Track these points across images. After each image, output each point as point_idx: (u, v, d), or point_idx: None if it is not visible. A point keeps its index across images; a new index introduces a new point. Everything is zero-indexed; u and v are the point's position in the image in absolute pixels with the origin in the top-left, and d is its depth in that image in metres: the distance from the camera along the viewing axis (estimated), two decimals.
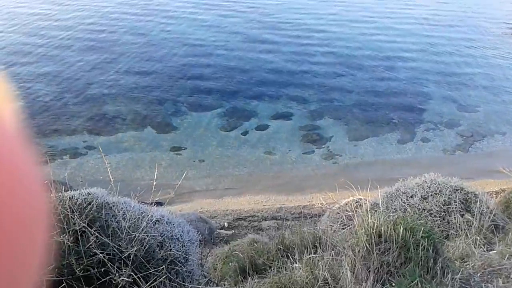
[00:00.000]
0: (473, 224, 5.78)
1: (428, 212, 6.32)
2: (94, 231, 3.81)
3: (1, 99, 0.45)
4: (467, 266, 4.59)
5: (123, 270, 3.69)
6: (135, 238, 3.95)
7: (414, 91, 22.34)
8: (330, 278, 4.32)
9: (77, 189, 4.53)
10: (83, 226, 3.82)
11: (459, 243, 5.13)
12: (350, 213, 6.02)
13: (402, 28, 31.12)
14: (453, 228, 6.00)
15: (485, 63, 25.72)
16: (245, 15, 32.61)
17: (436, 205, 6.38)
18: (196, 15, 32.39)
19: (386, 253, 4.27)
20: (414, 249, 4.24)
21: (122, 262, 3.79)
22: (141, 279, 3.73)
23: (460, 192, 6.55)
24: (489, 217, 5.83)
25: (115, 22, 30.57)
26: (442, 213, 6.31)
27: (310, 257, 4.69)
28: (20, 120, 0.46)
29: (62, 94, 20.83)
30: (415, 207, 6.45)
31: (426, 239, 4.29)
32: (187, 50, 26.23)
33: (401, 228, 4.31)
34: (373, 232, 4.37)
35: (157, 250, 4.15)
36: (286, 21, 31.63)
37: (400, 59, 25.89)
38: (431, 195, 6.54)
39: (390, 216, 4.66)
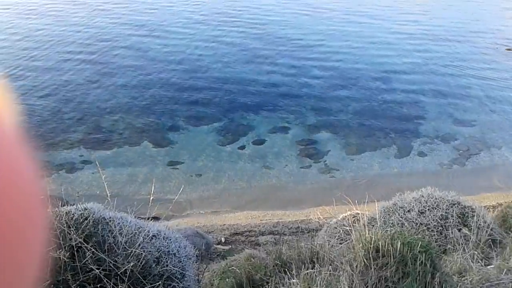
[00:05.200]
0: (470, 238, 5.77)
1: (425, 226, 6.32)
2: (91, 246, 3.79)
3: (3, 108, 0.46)
4: (465, 281, 4.57)
5: (120, 286, 3.66)
6: (132, 254, 3.93)
7: (410, 106, 22.48)
8: None
9: (74, 204, 4.51)
10: (79, 242, 3.80)
11: (457, 257, 5.11)
12: (348, 228, 6.01)
13: (399, 44, 31.45)
14: (451, 242, 5.99)
15: (480, 78, 25.96)
16: (243, 30, 32.90)
17: (433, 220, 6.38)
18: (193, 30, 32.66)
19: (384, 268, 4.25)
20: (412, 264, 4.23)
21: (119, 278, 3.76)
22: None
23: (457, 207, 6.56)
24: (486, 232, 5.83)
25: (113, 37, 30.77)
26: (440, 228, 6.31)
27: (307, 273, 4.66)
28: (22, 130, 0.47)
29: (59, 108, 20.85)
30: (413, 221, 6.45)
31: (424, 254, 4.28)
32: (184, 64, 26.38)
33: (399, 243, 4.31)
34: (370, 247, 4.36)
35: (153, 265, 4.12)
36: (283, 37, 31.93)
37: (397, 74, 26.11)
38: (428, 209, 6.54)
39: (387, 230, 4.66)
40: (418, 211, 6.57)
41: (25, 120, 18.92)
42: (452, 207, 6.53)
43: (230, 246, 12.03)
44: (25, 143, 0.47)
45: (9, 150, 0.44)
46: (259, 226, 13.51)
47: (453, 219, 6.30)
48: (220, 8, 38.67)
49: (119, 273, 3.76)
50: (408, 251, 4.28)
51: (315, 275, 4.56)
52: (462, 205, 6.62)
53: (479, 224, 5.93)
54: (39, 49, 27.91)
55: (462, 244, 5.71)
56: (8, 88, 0.50)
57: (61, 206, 4.35)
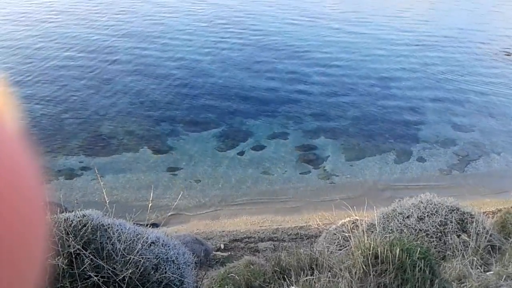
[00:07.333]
0: (469, 244, 5.77)
1: (424, 232, 6.31)
2: (89, 253, 3.78)
3: (4, 114, 0.46)
4: (464, 287, 4.56)
5: None
6: (130, 261, 3.92)
7: (409, 112, 22.52)
8: None
9: (72, 211, 4.50)
10: (78, 249, 3.79)
11: (456, 264, 5.10)
12: (347, 234, 6.00)
13: (398, 51, 31.56)
14: (450, 248, 5.98)
15: (480, 84, 26.04)
16: (242, 38, 33.01)
17: (432, 226, 6.37)
18: (192, 37, 32.77)
19: (383, 274, 4.24)
20: (410, 271, 4.22)
21: (117, 285, 3.75)
22: None
23: (456, 213, 6.55)
24: (485, 238, 5.82)
25: (113, 44, 30.86)
26: (439, 234, 6.30)
27: (306, 279, 4.65)
28: (23, 135, 0.47)
29: (58, 115, 20.85)
30: (412, 227, 6.44)
31: (423, 260, 4.27)
32: (184, 70, 26.43)
33: (398, 249, 4.30)
34: (369, 253, 4.35)
35: (152, 272, 4.11)
36: (283, 44, 32.04)
37: (396, 80, 26.17)
38: (427, 215, 6.54)
39: (386, 237, 4.65)
40: (417, 217, 6.57)
41: (25, 126, 18.88)
42: (451, 213, 6.53)
43: (229, 253, 11.99)
44: (26, 148, 0.47)
45: (10, 156, 0.44)
46: (259, 232, 13.48)
47: (452, 225, 6.30)
48: (220, 15, 38.84)
49: (117, 280, 3.75)
50: (407, 258, 4.28)
51: (314, 282, 4.55)
52: (461, 211, 6.62)
53: (478, 230, 5.93)
54: (39, 56, 27.96)
55: (461, 250, 5.70)
56: (10, 94, 0.51)
57: (60, 212, 4.35)
